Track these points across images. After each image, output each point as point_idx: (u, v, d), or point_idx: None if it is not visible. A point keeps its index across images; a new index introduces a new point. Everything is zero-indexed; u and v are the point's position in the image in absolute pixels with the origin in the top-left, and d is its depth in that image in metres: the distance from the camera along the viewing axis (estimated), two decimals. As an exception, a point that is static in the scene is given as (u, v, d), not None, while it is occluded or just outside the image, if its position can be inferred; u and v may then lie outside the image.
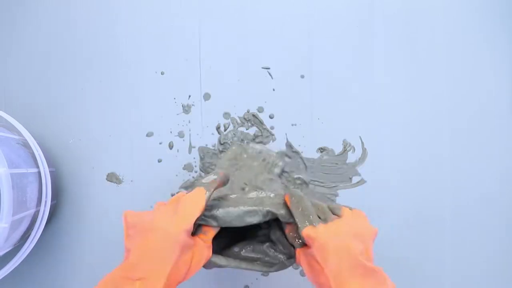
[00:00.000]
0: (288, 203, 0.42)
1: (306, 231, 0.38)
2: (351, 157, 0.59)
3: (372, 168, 0.59)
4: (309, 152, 0.59)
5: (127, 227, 0.38)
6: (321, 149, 0.59)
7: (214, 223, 0.41)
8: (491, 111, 0.59)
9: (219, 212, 0.41)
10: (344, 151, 0.59)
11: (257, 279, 0.58)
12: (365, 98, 0.59)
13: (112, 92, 0.59)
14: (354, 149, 0.59)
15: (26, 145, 0.51)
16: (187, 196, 0.38)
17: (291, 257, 0.44)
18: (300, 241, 0.41)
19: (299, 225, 0.39)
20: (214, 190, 0.40)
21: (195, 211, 0.37)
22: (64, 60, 0.59)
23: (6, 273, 0.48)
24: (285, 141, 0.59)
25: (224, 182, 0.44)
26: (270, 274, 0.58)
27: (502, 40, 0.60)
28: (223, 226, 0.41)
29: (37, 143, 0.52)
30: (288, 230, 0.42)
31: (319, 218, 0.40)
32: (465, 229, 0.59)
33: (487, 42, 0.60)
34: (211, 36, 0.59)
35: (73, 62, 0.59)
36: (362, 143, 0.59)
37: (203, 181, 0.41)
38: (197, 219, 0.38)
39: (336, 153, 0.59)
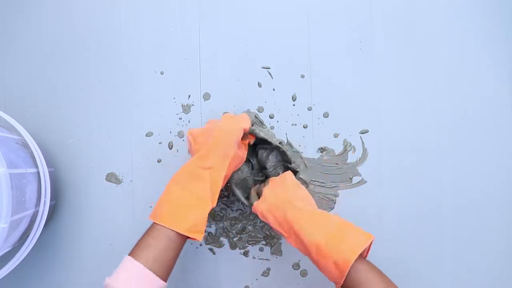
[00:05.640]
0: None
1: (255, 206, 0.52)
2: (352, 157, 0.59)
3: (372, 168, 0.59)
4: (309, 152, 0.59)
5: (194, 136, 0.50)
6: (321, 149, 0.59)
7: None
8: (491, 110, 0.59)
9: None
10: (344, 151, 0.59)
11: (257, 279, 0.58)
12: (365, 98, 0.59)
13: (112, 92, 0.59)
14: (355, 149, 0.59)
15: (25, 145, 0.51)
16: (240, 114, 0.54)
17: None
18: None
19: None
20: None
21: (247, 121, 0.51)
22: (64, 60, 0.59)
23: (6, 273, 0.48)
24: (285, 141, 0.59)
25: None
26: (270, 274, 0.58)
27: (502, 39, 0.59)
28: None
29: (36, 143, 0.52)
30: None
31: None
32: (465, 229, 0.59)
33: (487, 41, 0.60)
34: (211, 36, 0.59)
35: (73, 62, 0.59)
36: (363, 143, 0.59)
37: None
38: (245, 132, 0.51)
39: (336, 153, 0.59)
